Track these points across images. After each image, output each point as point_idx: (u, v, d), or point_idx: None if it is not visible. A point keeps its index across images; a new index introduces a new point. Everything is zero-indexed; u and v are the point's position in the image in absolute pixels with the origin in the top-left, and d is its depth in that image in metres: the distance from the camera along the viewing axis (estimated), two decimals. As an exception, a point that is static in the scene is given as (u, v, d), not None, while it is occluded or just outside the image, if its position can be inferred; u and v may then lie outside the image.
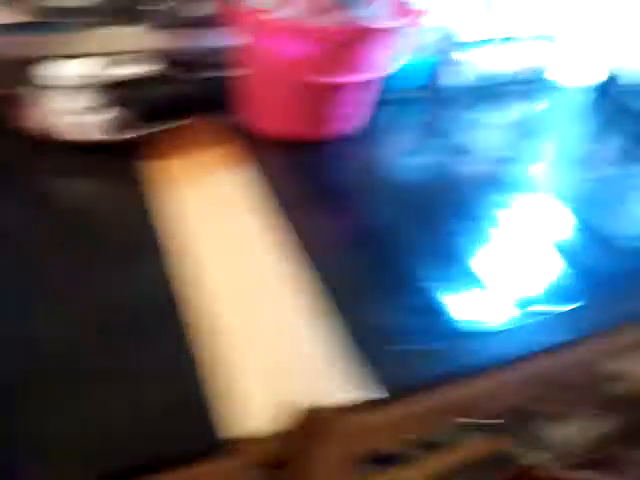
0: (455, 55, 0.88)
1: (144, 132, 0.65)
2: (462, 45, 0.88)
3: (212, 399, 0.43)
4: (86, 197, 0.60)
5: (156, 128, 0.66)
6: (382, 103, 0.78)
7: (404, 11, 0.67)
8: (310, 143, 0.73)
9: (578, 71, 0.97)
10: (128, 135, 0.64)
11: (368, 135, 0.77)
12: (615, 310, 0.56)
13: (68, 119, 0.63)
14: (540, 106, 0.92)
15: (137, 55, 0.67)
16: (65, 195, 0.61)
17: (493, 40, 0.90)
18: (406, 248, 0.59)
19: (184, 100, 0.67)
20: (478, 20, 0.88)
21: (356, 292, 0.54)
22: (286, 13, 0.64)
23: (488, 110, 0.88)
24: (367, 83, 0.71)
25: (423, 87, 0.89)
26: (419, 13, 0.66)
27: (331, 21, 0.65)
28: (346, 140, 0.75)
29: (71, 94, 0.62)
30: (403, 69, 0.82)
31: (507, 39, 0.91)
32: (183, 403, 0.43)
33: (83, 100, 0.62)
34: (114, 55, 0.66)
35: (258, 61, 0.67)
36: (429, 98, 0.88)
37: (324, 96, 0.69)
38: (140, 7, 0.69)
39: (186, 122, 0.69)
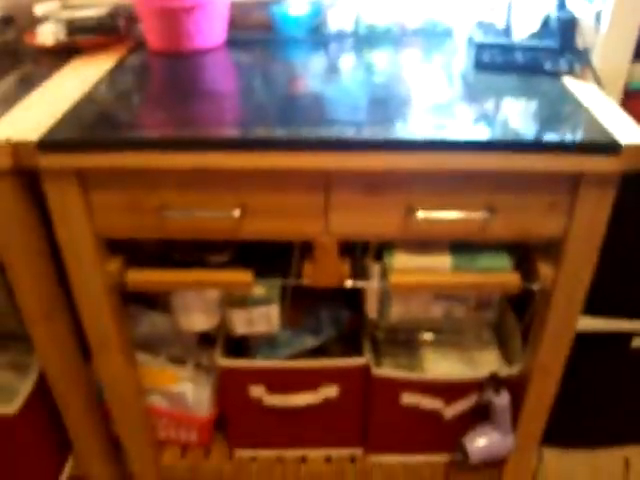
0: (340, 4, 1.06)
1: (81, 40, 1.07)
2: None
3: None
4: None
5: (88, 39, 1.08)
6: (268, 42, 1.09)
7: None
8: (178, 54, 1.05)
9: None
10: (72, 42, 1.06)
11: (223, 52, 1.07)
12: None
13: (45, 37, 1.05)
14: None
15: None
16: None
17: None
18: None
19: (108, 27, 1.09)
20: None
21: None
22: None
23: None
24: (204, 8, 1.02)
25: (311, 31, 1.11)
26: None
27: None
28: (205, 53, 1.05)
29: (50, 23, 1.05)
30: (293, 17, 1.07)
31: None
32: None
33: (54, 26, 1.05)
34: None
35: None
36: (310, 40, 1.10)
37: (178, 17, 1.02)
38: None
39: (105, 38, 1.09)
